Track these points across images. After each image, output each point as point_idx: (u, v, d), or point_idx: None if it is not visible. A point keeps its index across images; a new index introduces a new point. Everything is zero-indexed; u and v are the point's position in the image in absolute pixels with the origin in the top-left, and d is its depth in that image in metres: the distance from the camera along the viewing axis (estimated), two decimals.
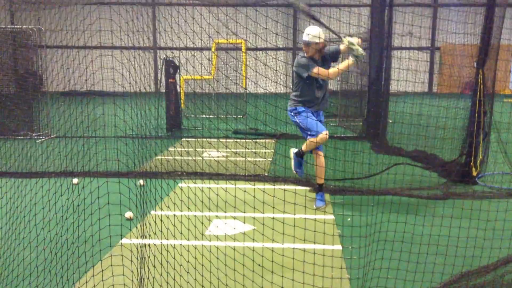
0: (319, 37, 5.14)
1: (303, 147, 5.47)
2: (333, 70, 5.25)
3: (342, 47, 5.23)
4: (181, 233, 4.08)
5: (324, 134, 5.28)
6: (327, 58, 5.43)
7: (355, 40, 5.06)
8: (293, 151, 5.69)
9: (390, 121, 9.56)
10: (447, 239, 3.95)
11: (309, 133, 5.32)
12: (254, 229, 4.66)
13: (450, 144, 7.15)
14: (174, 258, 3.67)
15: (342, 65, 5.15)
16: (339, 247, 4.22)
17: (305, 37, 5.21)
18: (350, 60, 5.12)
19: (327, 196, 5.81)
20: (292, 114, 5.45)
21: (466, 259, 3.78)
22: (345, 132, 11.17)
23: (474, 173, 6.41)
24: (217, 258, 3.76)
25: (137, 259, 3.70)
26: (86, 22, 3.92)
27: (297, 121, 5.39)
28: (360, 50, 4.99)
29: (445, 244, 3.93)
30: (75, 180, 6.08)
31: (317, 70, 5.15)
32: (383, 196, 5.72)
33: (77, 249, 3.79)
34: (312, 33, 5.17)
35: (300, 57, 5.34)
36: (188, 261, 3.69)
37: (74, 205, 4.03)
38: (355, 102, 12.23)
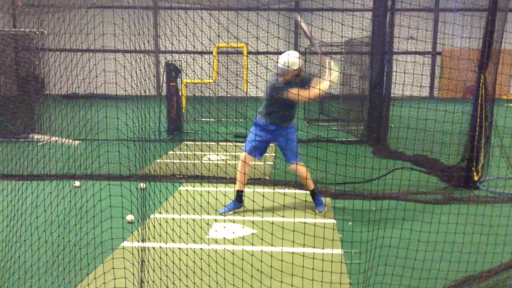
0: (289, 67, 4.96)
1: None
2: (313, 91, 4.94)
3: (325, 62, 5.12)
4: (180, 237, 4.08)
5: (241, 155, 5.35)
6: (300, 83, 5.19)
7: (335, 66, 5.09)
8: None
9: (392, 125, 9.57)
10: (449, 245, 3.95)
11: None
12: (253, 233, 4.66)
13: (452, 148, 7.15)
14: (173, 262, 3.67)
15: (322, 85, 4.91)
16: (339, 251, 4.21)
17: (281, 66, 5.03)
18: (330, 81, 5.00)
19: (328, 200, 5.80)
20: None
21: (469, 265, 3.77)
22: (347, 136, 11.18)
23: (476, 178, 6.41)
24: (216, 262, 3.76)
25: (138, 262, 3.70)
26: (90, 26, 3.93)
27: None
28: (337, 78, 5.06)
29: (447, 249, 3.93)
30: (77, 183, 6.09)
31: (292, 95, 4.95)
32: (384, 200, 5.72)
33: (79, 252, 3.80)
34: (288, 61, 5.00)
35: (274, 78, 5.17)
36: (187, 265, 3.69)
37: (76, 208, 4.04)
38: (356, 106, 12.24)
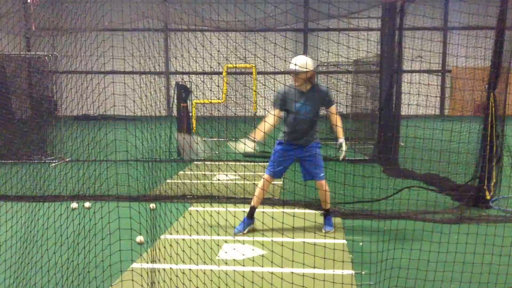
0: (306, 67, 4.94)
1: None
2: (338, 118, 5.19)
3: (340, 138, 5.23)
4: (190, 258, 4.08)
5: (266, 176, 5.33)
6: (318, 97, 5.16)
7: (344, 145, 5.18)
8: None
9: (402, 144, 9.52)
10: (460, 265, 3.89)
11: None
12: (263, 254, 4.63)
13: (463, 167, 7.08)
14: (183, 284, 3.66)
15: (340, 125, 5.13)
16: (350, 272, 4.17)
17: (291, 66, 5.08)
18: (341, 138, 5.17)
19: (338, 220, 5.76)
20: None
21: (480, 285, 3.70)
22: (357, 155, 11.14)
23: (488, 197, 6.33)
24: (226, 284, 3.74)
25: (148, 284, 3.69)
26: (100, 50, 4.02)
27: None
28: (342, 155, 5.17)
29: (458, 270, 3.87)
30: (87, 204, 6.12)
31: (272, 113, 5.06)
32: (395, 220, 5.66)
33: (88, 274, 3.80)
34: (299, 63, 5.04)
35: (282, 87, 5.24)
36: (197, 287, 3.67)
37: (85, 230, 4.06)
38: (366, 125, 12.23)
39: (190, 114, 12.12)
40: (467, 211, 6.09)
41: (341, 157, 5.23)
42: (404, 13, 9.22)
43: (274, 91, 5.17)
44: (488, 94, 6.28)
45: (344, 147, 5.18)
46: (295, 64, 5.06)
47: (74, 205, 6.12)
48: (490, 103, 6.23)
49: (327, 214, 5.48)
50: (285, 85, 5.27)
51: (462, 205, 6.35)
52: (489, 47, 6.35)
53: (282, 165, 5.36)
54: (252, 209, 5.44)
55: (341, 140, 5.18)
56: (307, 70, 4.91)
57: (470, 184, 6.65)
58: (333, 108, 5.23)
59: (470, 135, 7.06)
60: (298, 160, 5.43)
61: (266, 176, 5.38)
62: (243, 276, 3.84)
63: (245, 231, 5.38)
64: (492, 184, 6.37)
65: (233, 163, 8.97)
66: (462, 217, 5.81)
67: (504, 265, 3.93)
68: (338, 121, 5.17)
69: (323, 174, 5.31)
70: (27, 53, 11.35)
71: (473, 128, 7.08)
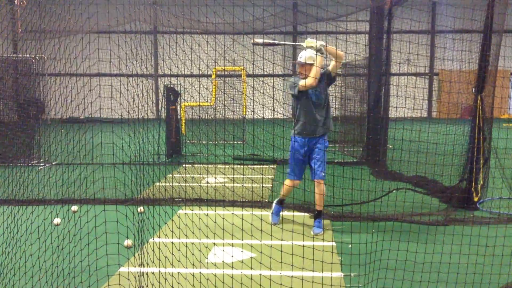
0: (314, 60, 5.18)
1: (281, 192, 5.68)
2: (306, 79, 5.19)
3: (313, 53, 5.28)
4: (179, 261, 4.04)
5: (288, 181, 5.52)
6: (321, 79, 5.34)
7: (309, 40, 5.19)
8: (275, 201, 5.86)
9: (390, 146, 9.57)
10: (448, 266, 3.91)
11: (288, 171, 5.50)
12: (252, 257, 4.61)
13: (450, 169, 7.13)
14: (172, 287, 3.62)
15: (312, 72, 5.12)
16: (339, 274, 4.17)
17: (300, 59, 5.29)
18: (317, 61, 5.17)
19: (327, 222, 5.77)
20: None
21: (467, 286, 3.73)
22: (345, 157, 11.18)
23: (475, 199, 6.38)
24: (215, 287, 3.71)
25: None
26: (86, 52, 3.98)
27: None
28: (319, 43, 5.13)
29: (446, 271, 3.89)
30: (74, 208, 6.05)
31: (303, 82, 5.18)
32: (383, 222, 5.68)
33: (73, 280, 3.75)
34: (307, 55, 5.24)
35: (292, 77, 5.46)
36: None
37: (70, 234, 4.00)
38: (354, 128, 12.28)
39: (179, 116, 12.08)
40: (454, 213, 6.13)
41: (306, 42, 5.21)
42: (392, 16, 9.29)
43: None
44: (475, 97, 6.33)
45: (312, 41, 5.18)
46: (300, 58, 5.28)
47: (75, 208, 6.04)
48: (477, 106, 6.29)
49: (317, 216, 5.49)
50: (294, 75, 5.42)
51: (449, 207, 6.39)
52: (476, 51, 6.41)
53: (300, 165, 5.47)
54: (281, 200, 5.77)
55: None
56: (311, 63, 5.14)
57: (458, 186, 6.70)
58: (331, 67, 5.27)
59: (458, 138, 7.11)
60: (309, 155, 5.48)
61: (287, 181, 5.54)
62: (232, 278, 3.81)
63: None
64: (479, 186, 6.42)
65: (222, 165, 8.95)
66: (450, 219, 5.84)
67: (489, 265, 3.96)
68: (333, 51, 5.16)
69: (324, 174, 5.33)
70: (13, 55, 11.21)
71: (461, 130, 7.14)
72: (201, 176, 8.71)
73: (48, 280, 3.70)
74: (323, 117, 5.35)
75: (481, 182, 6.45)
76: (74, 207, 6.08)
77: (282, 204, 5.82)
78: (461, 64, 7.46)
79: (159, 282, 3.73)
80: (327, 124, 5.39)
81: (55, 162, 8.64)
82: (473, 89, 6.47)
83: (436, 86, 23.60)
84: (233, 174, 8.30)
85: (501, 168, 6.76)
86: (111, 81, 4.05)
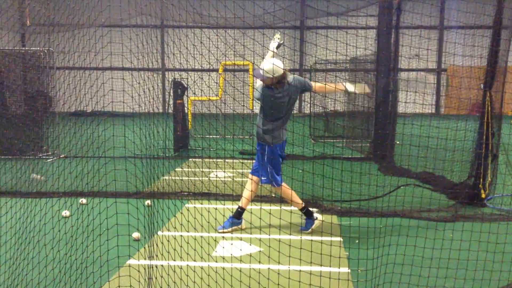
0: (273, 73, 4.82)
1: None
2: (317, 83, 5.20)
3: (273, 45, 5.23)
4: (188, 254, 4.09)
5: (283, 185, 5.27)
6: (294, 89, 5.06)
7: (276, 34, 5.15)
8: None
9: (398, 142, 9.56)
10: (457, 262, 3.92)
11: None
12: (260, 251, 4.65)
13: (458, 166, 7.11)
14: (181, 279, 3.66)
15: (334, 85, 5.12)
16: (346, 269, 4.19)
17: (260, 72, 4.95)
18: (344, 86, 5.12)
19: (334, 218, 5.78)
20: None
21: (476, 282, 3.74)
22: (352, 153, 11.17)
23: (483, 195, 6.37)
24: (223, 280, 3.75)
25: (145, 280, 3.70)
26: (98, 46, 4.01)
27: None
28: (278, 35, 5.11)
29: (454, 267, 3.90)
30: (83, 200, 6.12)
31: (319, 84, 5.10)
32: (391, 218, 5.69)
33: (85, 270, 3.81)
34: (265, 68, 4.87)
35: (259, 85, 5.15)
36: (194, 282, 3.68)
37: (83, 226, 4.06)
38: (362, 123, 12.26)
39: (186, 110, 12.11)
40: (462, 209, 6.13)
41: (354, 89, 5.18)
42: (401, 11, 9.23)
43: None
44: (484, 93, 6.31)
45: (351, 86, 5.13)
46: (262, 69, 4.91)
47: (83, 200, 6.10)
48: (487, 102, 6.26)
49: (305, 215, 5.35)
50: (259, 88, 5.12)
51: (457, 203, 6.39)
52: (486, 46, 6.37)
53: (279, 168, 5.28)
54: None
55: (344, 84, 5.14)
56: (273, 76, 4.82)
57: (466, 182, 6.69)
58: (313, 85, 5.16)
59: (466, 134, 7.09)
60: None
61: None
62: (240, 272, 3.85)
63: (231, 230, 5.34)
64: (488, 182, 6.41)
65: (231, 160, 8.99)
66: (457, 215, 5.84)
67: (498, 262, 3.97)
68: (323, 85, 5.12)
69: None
70: (21, 48, 11.29)
71: (469, 126, 7.11)
72: (209, 170, 8.75)
73: (61, 270, 3.76)
74: (284, 123, 5.21)
75: (489, 179, 6.43)
76: (83, 199, 6.15)
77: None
78: (472, 60, 7.42)
79: (168, 274, 3.78)
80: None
81: (63, 155, 8.69)
82: (482, 85, 6.45)
83: (445, 82, 23.45)
84: (242, 169, 8.33)
85: (509, 165, 6.74)
86: (113, 75, 4.08)
